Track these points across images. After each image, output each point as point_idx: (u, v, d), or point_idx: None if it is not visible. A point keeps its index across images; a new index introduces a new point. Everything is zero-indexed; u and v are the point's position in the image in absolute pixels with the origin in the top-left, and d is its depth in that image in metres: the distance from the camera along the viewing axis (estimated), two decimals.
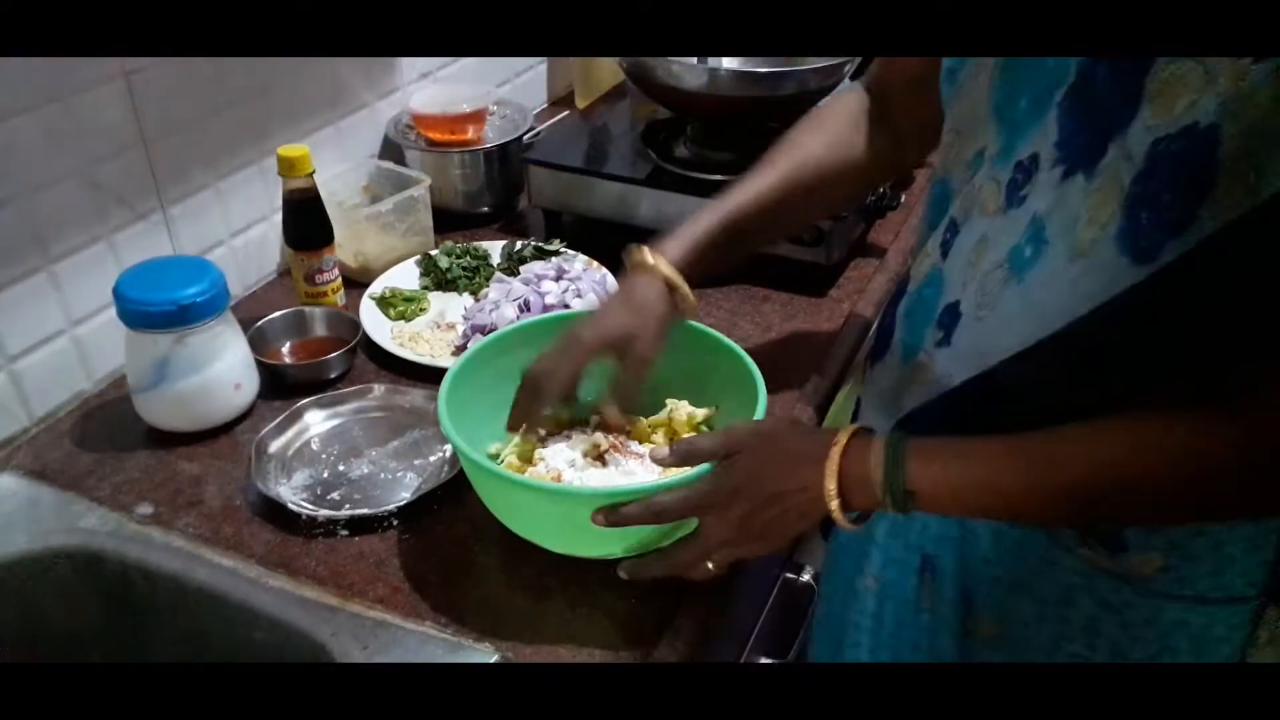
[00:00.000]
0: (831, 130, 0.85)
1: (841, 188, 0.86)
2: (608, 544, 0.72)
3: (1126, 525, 0.65)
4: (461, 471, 0.83)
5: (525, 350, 0.80)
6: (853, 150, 0.84)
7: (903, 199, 1.18)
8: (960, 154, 0.70)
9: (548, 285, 1.03)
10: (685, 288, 0.79)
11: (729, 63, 1.17)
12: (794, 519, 0.68)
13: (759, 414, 0.75)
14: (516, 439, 0.79)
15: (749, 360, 0.79)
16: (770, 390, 0.77)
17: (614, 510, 0.68)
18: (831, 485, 0.65)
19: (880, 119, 0.84)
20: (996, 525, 0.70)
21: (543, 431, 0.81)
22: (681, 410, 0.82)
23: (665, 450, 0.72)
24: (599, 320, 0.78)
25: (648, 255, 0.79)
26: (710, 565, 0.70)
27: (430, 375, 0.95)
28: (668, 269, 0.78)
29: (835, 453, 0.65)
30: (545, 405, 0.76)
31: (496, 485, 0.73)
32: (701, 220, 0.81)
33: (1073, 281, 0.57)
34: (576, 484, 0.75)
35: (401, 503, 0.80)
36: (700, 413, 0.82)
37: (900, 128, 0.84)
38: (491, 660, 0.69)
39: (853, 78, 1.27)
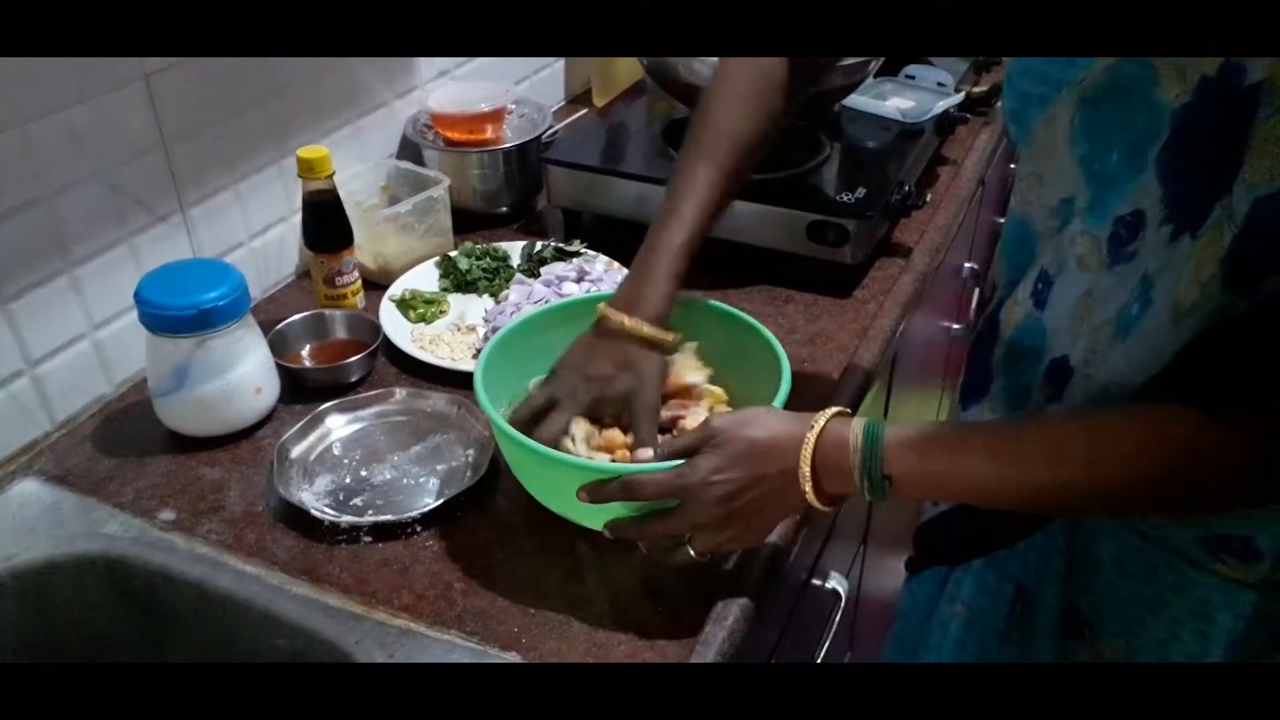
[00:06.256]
0: (752, 97, 0.80)
1: (764, 153, 0.83)
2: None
3: (1116, 516, 0.66)
4: (485, 476, 0.82)
5: (552, 334, 0.83)
6: (775, 107, 0.81)
7: (929, 198, 1.16)
8: (1043, 198, 0.70)
9: (569, 287, 1.03)
10: (668, 337, 0.78)
11: None
12: (773, 504, 0.68)
13: (783, 388, 0.75)
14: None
15: (775, 341, 0.80)
16: (793, 395, 0.75)
17: (597, 487, 0.69)
18: (805, 467, 0.65)
19: (803, 66, 0.82)
20: (1119, 550, 0.70)
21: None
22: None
23: (650, 453, 0.72)
24: (596, 384, 0.76)
25: (626, 321, 0.76)
26: (691, 551, 0.70)
27: (451, 379, 0.95)
28: (650, 330, 0.76)
29: (811, 436, 0.66)
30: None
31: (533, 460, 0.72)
32: (665, 257, 0.77)
33: (1174, 340, 0.58)
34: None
35: (425, 508, 0.80)
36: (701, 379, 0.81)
37: (816, 69, 0.83)
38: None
39: (876, 75, 1.26)
